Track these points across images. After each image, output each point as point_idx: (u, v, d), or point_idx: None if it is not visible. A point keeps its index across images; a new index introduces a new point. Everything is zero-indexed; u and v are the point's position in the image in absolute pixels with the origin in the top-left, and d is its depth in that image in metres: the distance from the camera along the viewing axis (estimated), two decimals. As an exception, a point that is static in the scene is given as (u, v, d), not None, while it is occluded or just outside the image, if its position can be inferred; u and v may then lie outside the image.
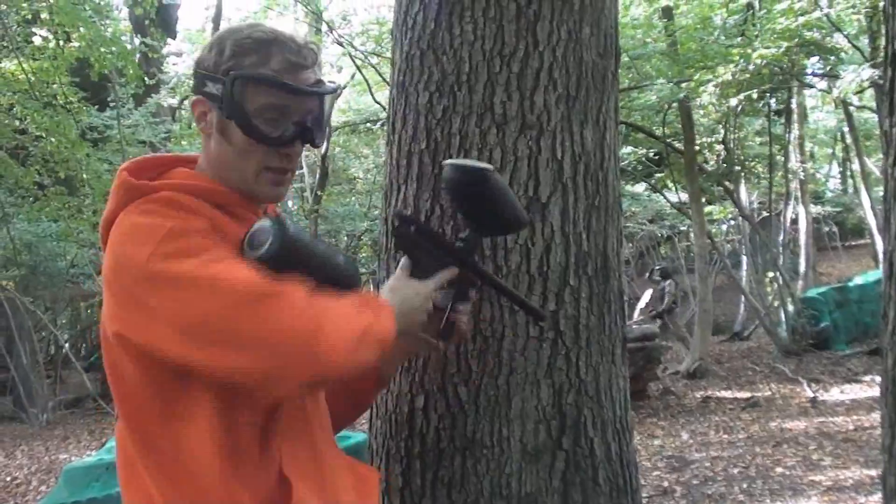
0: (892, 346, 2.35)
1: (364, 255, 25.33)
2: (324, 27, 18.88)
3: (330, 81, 2.04)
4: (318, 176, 20.88)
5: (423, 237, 2.16)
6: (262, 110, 1.93)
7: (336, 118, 21.34)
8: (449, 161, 2.23)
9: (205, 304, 1.68)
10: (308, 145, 2.01)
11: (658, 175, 23.29)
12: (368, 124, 21.81)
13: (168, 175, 1.99)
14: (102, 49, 13.72)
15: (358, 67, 19.18)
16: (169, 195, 1.85)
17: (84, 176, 15.09)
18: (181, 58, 25.32)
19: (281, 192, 2.03)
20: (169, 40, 21.56)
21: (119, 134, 16.20)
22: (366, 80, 19.21)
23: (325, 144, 19.48)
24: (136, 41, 17.55)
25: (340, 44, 18.41)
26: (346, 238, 24.18)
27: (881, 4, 2.47)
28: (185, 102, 20.17)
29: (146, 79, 15.59)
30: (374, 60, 17.68)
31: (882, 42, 2.46)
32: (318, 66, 2.00)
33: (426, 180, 2.60)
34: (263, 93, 1.93)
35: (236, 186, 1.99)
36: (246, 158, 1.97)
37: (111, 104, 16.68)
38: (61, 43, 14.24)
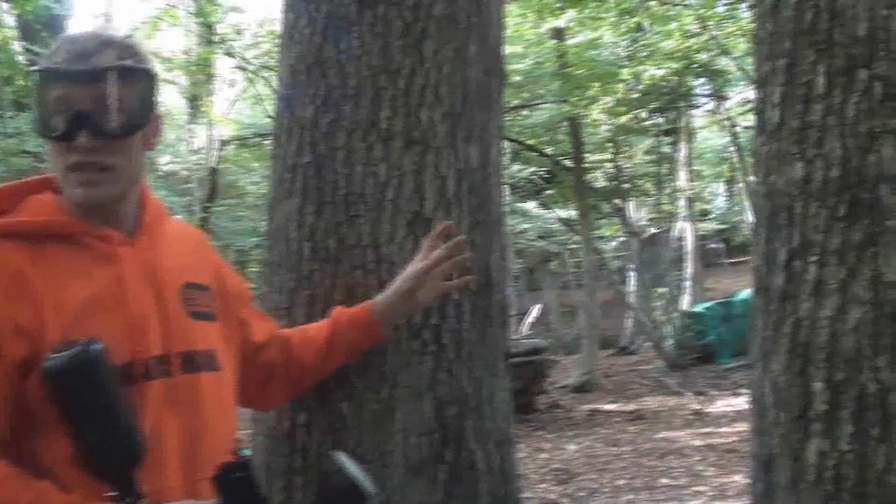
0: (760, 357, 2.42)
1: (253, 269, 25.06)
2: (215, 39, 18.70)
3: (136, 65, 1.94)
4: (206, 190, 20.65)
5: (244, 490, 1.80)
6: (53, 106, 1.86)
7: (226, 132, 21.10)
8: (345, 461, 2.05)
9: None
10: (98, 134, 1.84)
11: (548, 192, 23.53)
12: (258, 138, 21.63)
13: (20, 206, 1.93)
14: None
15: (250, 80, 19.02)
16: None
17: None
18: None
19: (91, 193, 1.88)
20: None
21: (2, 143, 15.78)
22: (256, 94, 19.06)
23: (213, 157, 19.30)
24: (19, 49, 17.15)
25: (230, 55, 18.24)
26: (234, 254, 23.87)
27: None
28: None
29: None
30: (266, 73, 17.56)
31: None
32: (123, 55, 1.90)
33: (310, 194, 2.60)
34: (49, 87, 1.87)
35: (72, 204, 1.93)
36: (55, 163, 1.90)
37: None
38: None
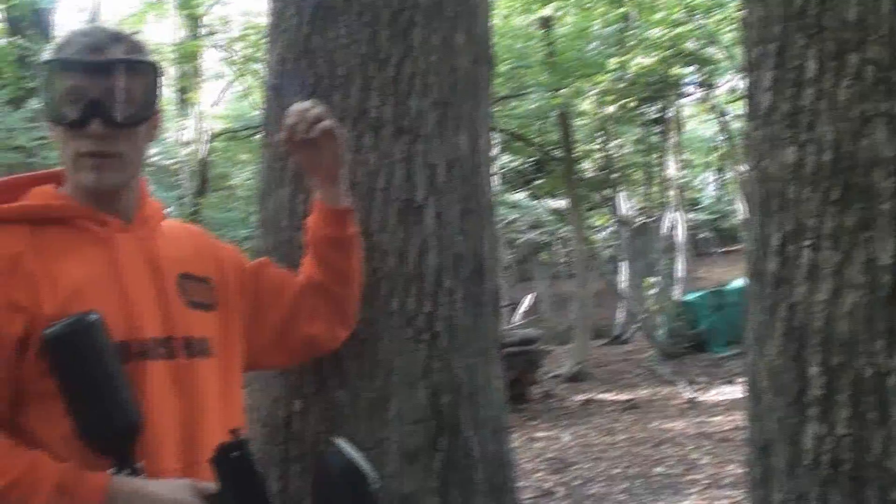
0: (754, 343, 2.42)
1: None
2: (202, 31, 18.66)
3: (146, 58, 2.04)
4: (197, 183, 20.60)
5: (241, 471, 1.82)
6: (65, 95, 1.94)
7: (215, 125, 21.05)
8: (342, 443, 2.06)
9: None
10: (109, 123, 1.93)
11: (538, 182, 23.53)
12: (248, 130, 21.60)
13: (24, 196, 2.01)
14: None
15: (238, 73, 19.00)
16: None
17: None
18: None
19: (103, 177, 1.97)
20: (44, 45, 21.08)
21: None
22: (245, 86, 19.04)
23: (203, 150, 19.27)
24: (8, 43, 17.09)
25: (219, 48, 18.21)
26: (226, 245, 23.78)
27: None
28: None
29: (27, 84, 15.19)
30: (253, 65, 17.53)
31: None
32: (132, 49, 2.00)
33: (301, 182, 2.59)
34: (62, 77, 1.96)
35: (77, 191, 2.00)
36: (64, 151, 1.98)
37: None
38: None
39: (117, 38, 1.99)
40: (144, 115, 2.01)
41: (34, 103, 17.31)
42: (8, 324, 1.81)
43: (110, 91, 1.93)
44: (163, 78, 2.11)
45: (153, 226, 2.11)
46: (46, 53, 2.01)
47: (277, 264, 2.46)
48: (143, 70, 2.02)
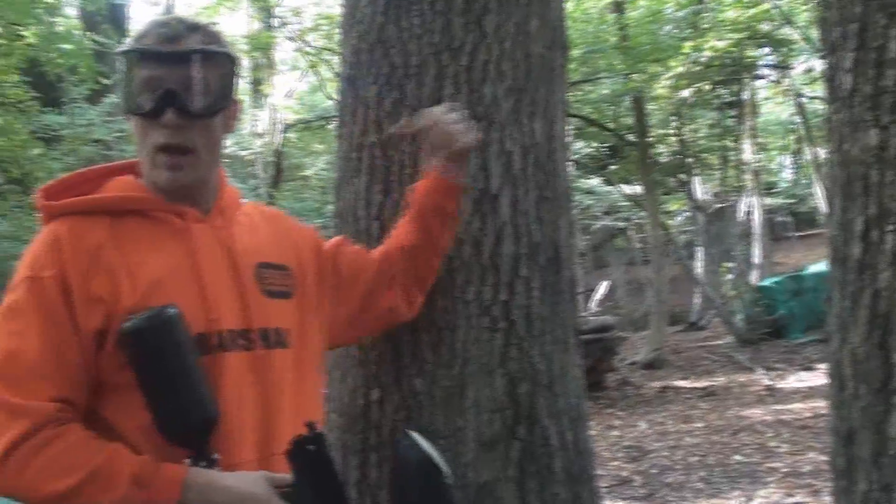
0: (837, 330, 2.38)
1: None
2: (275, 23, 18.81)
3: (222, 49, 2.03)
4: (271, 173, 20.80)
5: (318, 464, 1.84)
6: (142, 85, 1.95)
7: (289, 115, 21.23)
8: (418, 438, 2.14)
9: None
10: (183, 113, 1.93)
11: (612, 168, 23.39)
12: (321, 121, 21.75)
13: (104, 186, 2.03)
14: (55, 46, 13.57)
15: (311, 63, 19.11)
16: (50, 229, 1.93)
17: (37, 175, 14.92)
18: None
19: (177, 176, 1.98)
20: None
21: (72, 132, 16.00)
22: (318, 76, 19.15)
23: (277, 140, 19.42)
24: (86, 40, 17.35)
25: (292, 39, 18.33)
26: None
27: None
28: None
29: (104, 79, 15.41)
30: (326, 56, 17.63)
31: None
32: (208, 40, 2.00)
33: (377, 173, 2.61)
34: (139, 67, 1.96)
35: (155, 185, 2.01)
36: (142, 144, 1.99)
37: (65, 102, 16.48)
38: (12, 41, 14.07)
39: (194, 27, 2.00)
40: (220, 106, 2.00)
41: (111, 98, 17.58)
42: (88, 316, 1.83)
43: (185, 81, 1.93)
44: (239, 68, 2.11)
45: (231, 214, 2.12)
46: (125, 44, 2.02)
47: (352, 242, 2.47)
48: (218, 60, 2.01)
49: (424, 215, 2.39)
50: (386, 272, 2.37)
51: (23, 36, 14.17)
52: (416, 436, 2.14)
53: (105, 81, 15.33)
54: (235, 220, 2.13)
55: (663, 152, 21.34)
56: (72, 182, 2.05)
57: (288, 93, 23.18)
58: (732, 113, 22.57)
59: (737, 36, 14.34)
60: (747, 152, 22.35)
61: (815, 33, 15.87)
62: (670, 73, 14.90)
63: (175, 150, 1.96)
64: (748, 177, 22.98)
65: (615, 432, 10.73)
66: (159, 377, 1.79)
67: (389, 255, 2.39)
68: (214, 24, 2.14)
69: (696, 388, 13.36)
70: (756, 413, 11.03)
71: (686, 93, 16.31)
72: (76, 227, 1.91)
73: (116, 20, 19.14)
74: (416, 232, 2.39)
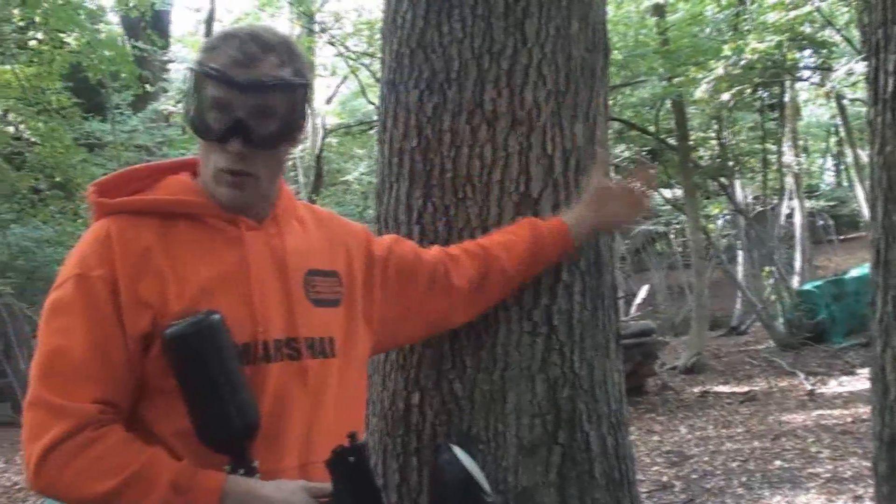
0: (880, 334, 2.36)
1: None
2: (315, 28, 18.88)
3: (297, 78, 1.98)
4: (312, 178, 20.89)
5: (358, 475, 1.83)
6: (210, 106, 1.92)
7: (330, 120, 21.32)
8: (459, 453, 2.15)
9: (36, 360, 1.86)
10: (249, 143, 1.90)
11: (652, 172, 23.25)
12: (362, 125, 21.82)
13: (158, 185, 2.03)
14: (98, 52, 13.69)
15: (351, 69, 19.20)
16: (100, 227, 1.93)
17: (79, 181, 15.08)
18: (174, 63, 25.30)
19: (237, 195, 1.97)
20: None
21: (115, 139, 16.17)
22: (359, 81, 19.23)
23: (318, 145, 19.50)
24: (128, 46, 17.51)
25: (332, 44, 18.42)
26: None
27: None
28: (180, 106, 20.13)
29: (147, 85, 15.55)
30: (367, 61, 17.69)
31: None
32: (284, 61, 1.95)
33: (418, 177, 2.61)
34: (208, 87, 1.92)
35: (214, 197, 1.99)
36: (205, 159, 1.98)
37: (109, 109, 16.66)
38: (55, 48, 14.23)
39: (269, 47, 1.94)
40: (288, 137, 1.99)
41: (154, 105, 17.72)
42: (135, 319, 1.84)
43: (255, 111, 1.91)
44: (312, 92, 2.08)
45: (285, 220, 2.10)
46: (196, 56, 1.99)
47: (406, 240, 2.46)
48: (294, 90, 1.98)
49: (536, 257, 2.42)
50: (438, 279, 2.33)
51: (65, 43, 14.31)
52: (456, 450, 2.14)
53: (148, 88, 15.46)
54: (289, 224, 2.11)
55: (704, 155, 21.23)
56: (126, 178, 2.05)
57: (329, 97, 23.28)
58: (773, 115, 22.38)
59: (778, 38, 14.22)
60: (788, 155, 22.16)
61: (856, 35, 15.77)
62: (711, 76, 14.79)
63: (237, 174, 1.95)
64: (789, 180, 22.79)
65: (655, 437, 10.68)
66: (201, 382, 1.79)
67: (465, 263, 2.36)
68: (289, 38, 2.11)
69: (736, 393, 13.27)
70: (797, 418, 10.95)
71: (726, 95, 16.17)
72: (126, 228, 1.91)
73: (159, 26, 19.31)
74: (521, 266, 2.41)
